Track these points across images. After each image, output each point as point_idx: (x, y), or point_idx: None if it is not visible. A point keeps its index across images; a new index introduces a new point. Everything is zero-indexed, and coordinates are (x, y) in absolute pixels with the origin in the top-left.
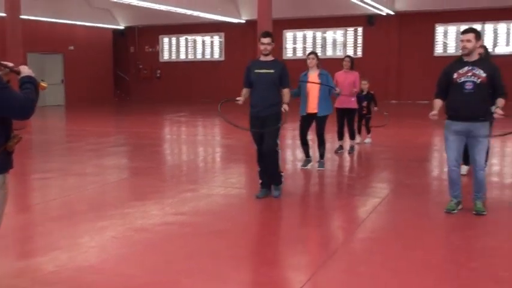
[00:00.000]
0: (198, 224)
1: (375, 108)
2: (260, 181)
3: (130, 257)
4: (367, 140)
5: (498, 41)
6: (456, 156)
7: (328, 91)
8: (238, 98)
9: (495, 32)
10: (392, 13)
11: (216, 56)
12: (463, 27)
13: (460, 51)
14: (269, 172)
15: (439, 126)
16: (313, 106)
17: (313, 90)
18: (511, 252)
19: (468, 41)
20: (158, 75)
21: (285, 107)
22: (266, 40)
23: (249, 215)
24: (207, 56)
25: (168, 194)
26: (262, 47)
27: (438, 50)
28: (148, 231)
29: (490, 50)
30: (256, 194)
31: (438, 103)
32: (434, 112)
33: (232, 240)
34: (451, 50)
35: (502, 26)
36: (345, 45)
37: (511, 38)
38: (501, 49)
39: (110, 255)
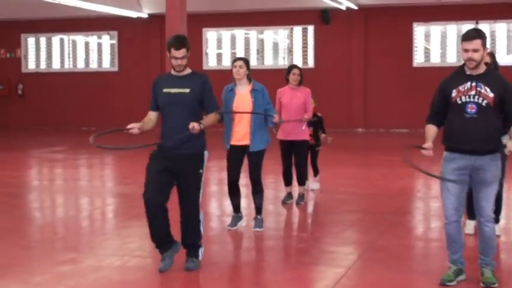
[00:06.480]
0: None
1: (323, 136)
2: (156, 245)
3: None
4: (314, 186)
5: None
6: (456, 205)
7: (264, 117)
8: (130, 126)
9: (492, 35)
10: (355, 7)
11: (106, 65)
12: (451, 27)
13: (464, 63)
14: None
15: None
16: (241, 136)
17: (243, 115)
18: None
19: (475, 50)
20: (20, 92)
21: (194, 125)
22: (180, 53)
23: None
24: (93, 65)
25: (36, 268)
26: (174, 63)
27: (418, 58)
28: None
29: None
30: (160, 267)
31: (431, 131)
32: (428, 145)
33: None
34: (436, 58)
35: (501, 26)
36: (290, 50)
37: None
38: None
39: None
